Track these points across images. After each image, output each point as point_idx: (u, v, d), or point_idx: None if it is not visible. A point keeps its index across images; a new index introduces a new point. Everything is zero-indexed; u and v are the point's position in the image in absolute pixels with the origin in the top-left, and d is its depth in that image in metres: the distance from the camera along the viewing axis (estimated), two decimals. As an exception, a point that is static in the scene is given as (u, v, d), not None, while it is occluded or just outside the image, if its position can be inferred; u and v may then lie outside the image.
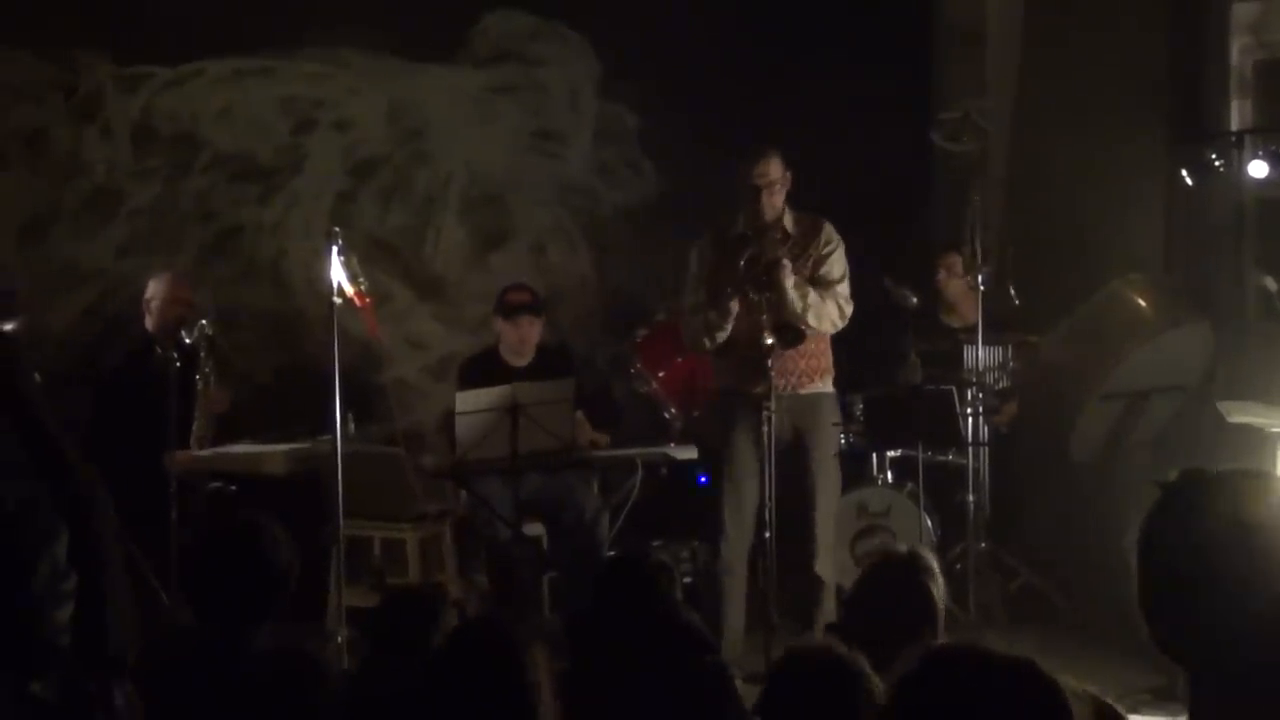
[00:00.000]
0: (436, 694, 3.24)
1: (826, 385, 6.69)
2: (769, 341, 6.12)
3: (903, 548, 4.27)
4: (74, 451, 2.24)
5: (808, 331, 6.38)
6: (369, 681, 3.81)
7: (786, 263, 6.31)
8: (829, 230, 6.60)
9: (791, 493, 6.46)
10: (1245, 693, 2.20)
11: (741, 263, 6.27)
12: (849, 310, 6.56)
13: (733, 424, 6.54)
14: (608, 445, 7.22)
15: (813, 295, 6.41)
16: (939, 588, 4.04)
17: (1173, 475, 2.36)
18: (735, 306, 6.39)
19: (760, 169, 6.43)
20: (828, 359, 6.68)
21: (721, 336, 6.49)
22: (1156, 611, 2.31)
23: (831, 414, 6.70)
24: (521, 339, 7.24)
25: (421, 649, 3.74)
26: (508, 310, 7.24)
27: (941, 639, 4.01)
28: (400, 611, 4.02)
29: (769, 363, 6.11)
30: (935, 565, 4.09)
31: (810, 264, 6.52)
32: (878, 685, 3.16)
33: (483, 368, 7.18)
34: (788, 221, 6.54)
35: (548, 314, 7.48)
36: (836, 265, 6.57)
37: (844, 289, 6.55)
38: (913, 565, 4.08)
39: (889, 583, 4.07)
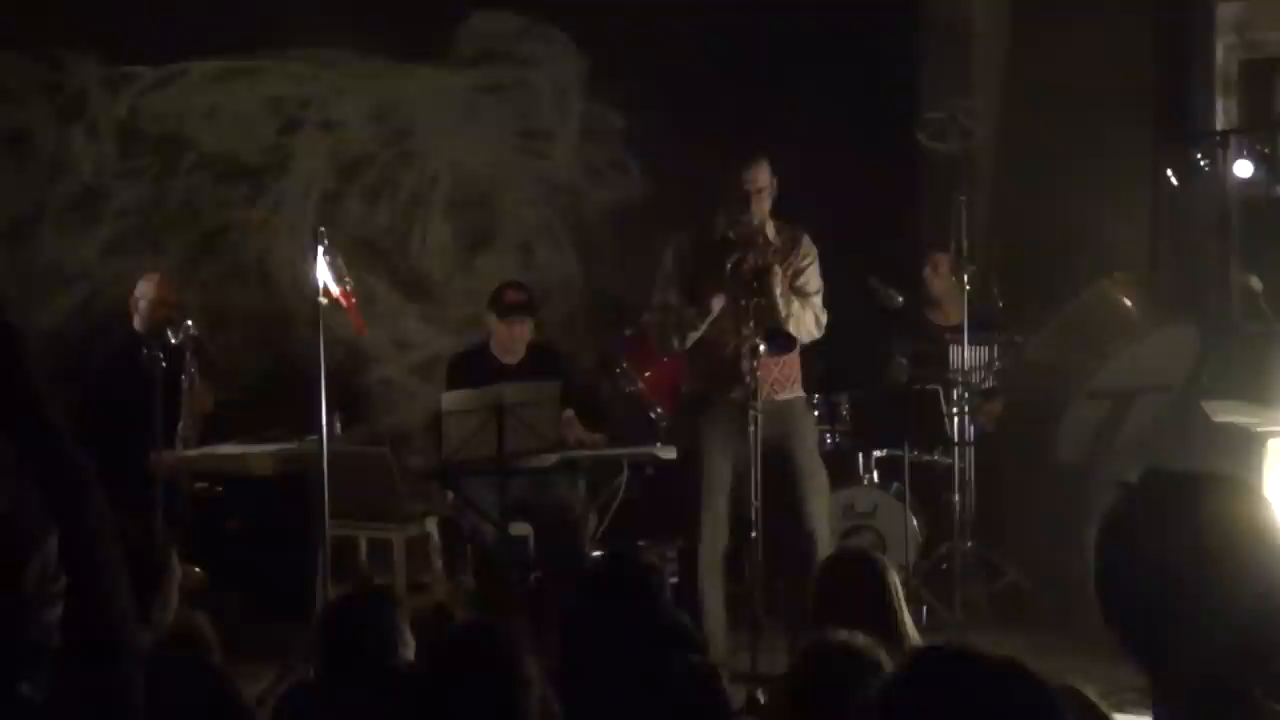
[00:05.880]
0: (430, 695, 3.24)
1: (799, 391, 6.67)
2: (760, 347, 6.10)
3: (852, 545, 4.36)
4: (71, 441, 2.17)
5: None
6: (333, 685, 3.79)
7: (778, 269, 6.29)
8: (807, 241, 6.58)
9: (778, 499, 6.44)
10: (1200, 702, 2.15)
11: (728, 266, 6.24)
12: (824, 321, 6.52)
13: (704, 427, 6.49)
14: (600, 444, 7.21)
15: (795, 304, 6.40)
16: (895, 580, 4.13)
17: (1132, 476, 2.31)
18: (718, 308, 6.36)
19: (751, 174, 6.40)
20: (798, 368, 6.66)
21: (694, 337, 6.44)
22: (1109, 612, 2.23)
23: (808, 417, 6.70)
24: (514, 338, 7.23)
25: (366, 652, 3.73)
26: (503, 310, 7.23)
27: (910, 631, 4.06)
28: (343, 615, 3.99)
29: (752, 367, 6.10)
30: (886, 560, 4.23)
31: (790, 274, 6.50)
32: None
33: (474, 365, 7.17)
34: (770, 229, 6.51)
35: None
36: (814, 277, 6.55)
37: (819, 300, 6.54)
38: (869, 559, 4.14)
39: (848, 578, 4.13)
